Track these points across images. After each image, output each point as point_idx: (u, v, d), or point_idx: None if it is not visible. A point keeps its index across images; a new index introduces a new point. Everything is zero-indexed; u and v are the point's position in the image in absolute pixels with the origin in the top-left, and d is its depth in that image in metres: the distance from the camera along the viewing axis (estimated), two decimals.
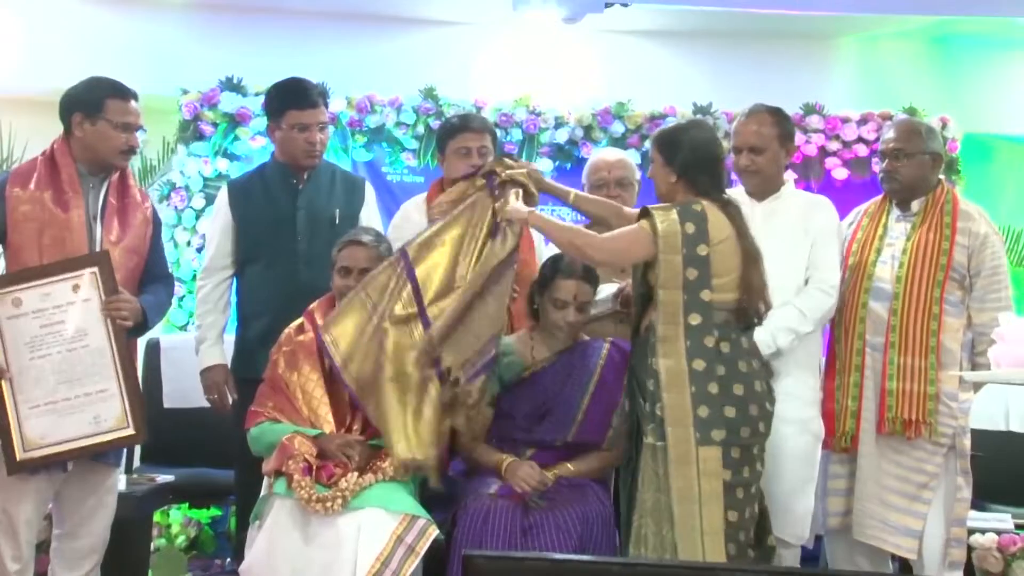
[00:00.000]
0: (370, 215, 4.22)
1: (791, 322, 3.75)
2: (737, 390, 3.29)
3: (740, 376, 3.31)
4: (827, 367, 4.03)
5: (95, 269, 3.54)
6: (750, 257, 3.38)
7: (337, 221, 4.06)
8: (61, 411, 3.50)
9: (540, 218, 3.52)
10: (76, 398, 3.51)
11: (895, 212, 4.02)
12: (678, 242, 3.28)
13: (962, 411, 3.89)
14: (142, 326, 3.69)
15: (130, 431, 3.55)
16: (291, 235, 4.07)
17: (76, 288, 3.53)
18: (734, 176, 4.04)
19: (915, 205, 3.98)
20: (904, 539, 3.83)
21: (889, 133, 4.04)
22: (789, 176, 5.80)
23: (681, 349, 3.28)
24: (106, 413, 3.52)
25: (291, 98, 4.10)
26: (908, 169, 3.96)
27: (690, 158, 3.43)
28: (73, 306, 3.53)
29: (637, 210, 3.52)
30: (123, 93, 3.68)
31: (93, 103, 3.63)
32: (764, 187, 3.95)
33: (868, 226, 4.04)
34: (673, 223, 3.30)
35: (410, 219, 4.14)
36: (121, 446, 3.63)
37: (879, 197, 4.12)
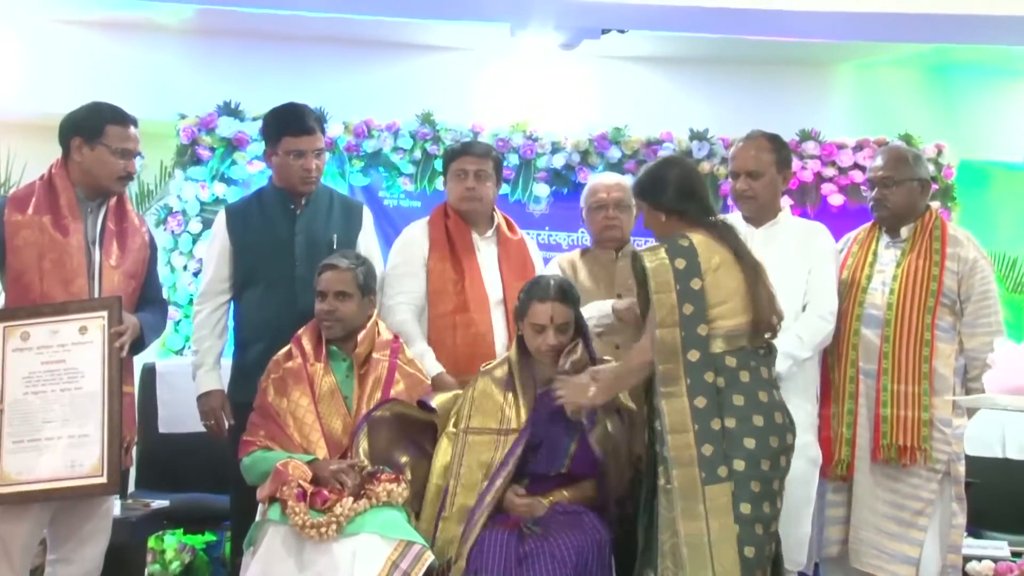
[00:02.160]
0: (368, 240, 4.22)
1: (790, 348, 3.74)
2: (757, 421, 3.24)
3: (761, 407, 3.27)
4: (822, 394, 4.02)
5: (104, 314, 3.53)
6: (753, 273, 3.35)
7: (335, 246, 4.05)
8: (42, 450, 3.46)
9: (606, 387, 3.47)
10: (59, 439, 3.47)
11: (884, 239, 4.04)
12: (670, 279, 3.26)
13: (956, 437, 3.88)
14: (139, 344, 3.68)
15: (102, 480, 3.48)
16: (289, 260, 4.06)
17: (83, 330, 3.53)
18: (731, 203, 4.05)
19: (904, 231, 3.99)
20: (901, 567, 3.82)
21: (877, 161, 4.06)
22: (785, 202, 5.87)
23: (683, 387, 3.24)
24: (83, 459, 3.47)
25: (286, 124, 4.09)
26: (897, 196, 3.98)
27: (672, 195, 3.45)
28: (76, 347, 3.52)
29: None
30: (123, 119, 3.69)
31: (93, 128, 3.64)
32: (761, 213, 3.97)
33: (858, 253, 4.05)
34: (663, 261, 3.29)
35: (414, 241, 4.18)
36: (90, 494, 3.54)
37: (868, 224, 4.14)
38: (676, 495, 3.20)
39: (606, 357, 3.78)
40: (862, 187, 5.97)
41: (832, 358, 4.00)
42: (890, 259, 3.98)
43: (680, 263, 3.27)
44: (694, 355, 3.24)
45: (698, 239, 3.33)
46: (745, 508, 3.18)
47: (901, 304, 3.88)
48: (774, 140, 4.02)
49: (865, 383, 3.90)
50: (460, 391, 3.82)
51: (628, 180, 4.54)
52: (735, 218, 4.03)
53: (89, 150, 3.63)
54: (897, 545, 3.83)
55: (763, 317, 3.33)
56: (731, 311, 3.29)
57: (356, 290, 3.81)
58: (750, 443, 3.22)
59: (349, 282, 3.79)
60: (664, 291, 3.26)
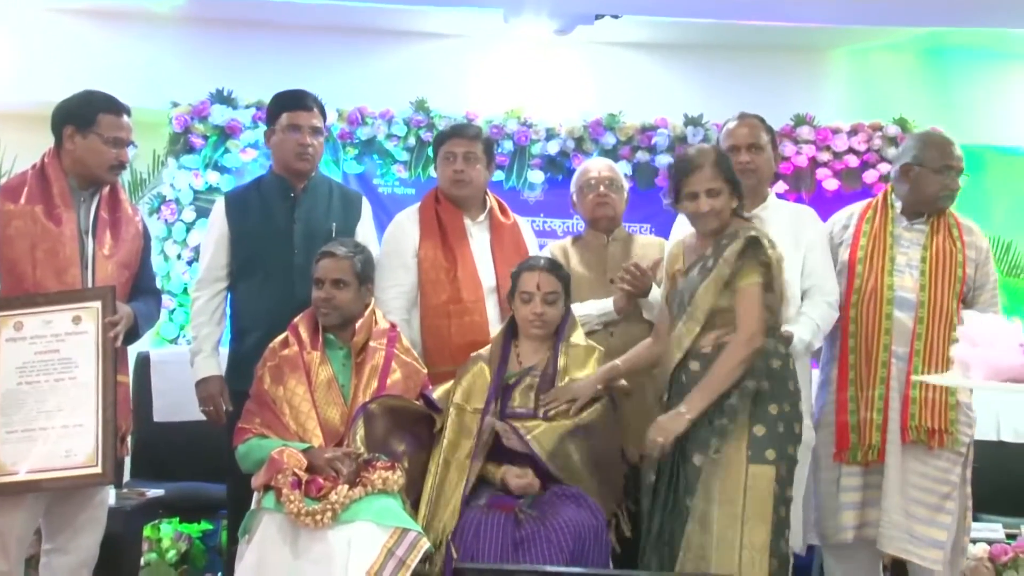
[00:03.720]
0: (366, 230, 4.22)
1: (809, 335, 3.78)
2: (786, 408, 3.39)
3: (788, 396, 3.41)
4: (839, 379, 3.98)
5: (98, 304, 3.53)
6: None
7: (334, 235, 4.05)
8: (36, 440, 3.45)
9: (696, 404, 3.42)
10: (53, 429, 3.46)
11: (902, 220, 4.00)
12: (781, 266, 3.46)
13: (974, 421, 3.92)
14: (133, 333, 3.67)
15: (98, 470, 3.47)
16: (287, 248, 4.06)
17: (77, 320, 3.52)
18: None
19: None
20: (930, 551, 3.80)
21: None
22: (780, 187, 5.87)
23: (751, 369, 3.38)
24: (78, 448, 3.46)
25: (286, 102, 4.15)
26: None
27: (734, 179, 3.54)
28: (70, 337, 3.52)
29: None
30: (116, 108, 3.67)
31: (86, 117, 3.63)
32: (756, 190, 3.94)
33: (871, 233, 3.99)
34: (776, 250, 3.44)
35: (404, 230, 4.15)
36: (86, 484, 3.54)
37: (868, 202, 4.11)
38: (721, 469, 3.33)
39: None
40: (860, 171, 6.04)
41: (856, 342, 3.94)
42: (912, 241, 3.96)
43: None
44: (768, 341, 3.41)
45: None
46: (777, 490, 3.31)
47: (933, 287, 3.87)
48: (764, 121, 4.07)
49: (896, 366, 3.87)
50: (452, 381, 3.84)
51: (621, 167, 4.56)
52: None
53: (81, 139, 3.62)
54: (926, 529, 3.81)
55: (779, 308, 3.50)
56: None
57: (353, 278, 3.81)
58: (791, 428, 3.38)
59: (347, 270, 3.79)
60: (780, 275, 3.44)
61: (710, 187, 3.48)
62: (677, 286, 3.58)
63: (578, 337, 3.86)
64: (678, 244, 3.71)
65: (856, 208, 4.14)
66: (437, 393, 3.80)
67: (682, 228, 4.10)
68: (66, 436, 3.47)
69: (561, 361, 3.77)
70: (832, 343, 4.03)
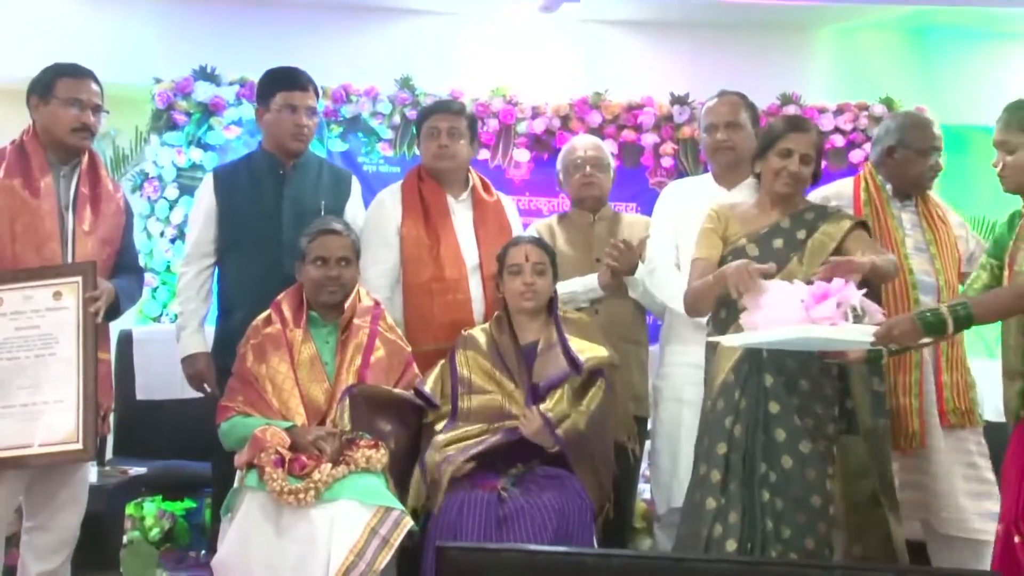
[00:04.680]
0: (355, 209, 4.19)
1: None
2: None
3: None
4: None
5: (79, 279, 3.49)
6: None
7: (323, 213, 4.02)
8: (16, 416, 3.42)
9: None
10: (33, 405, 3.43)
11: (895, 202, 3.96)
12: None
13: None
14: (115, 310, 3.65)
15: (79, 446, 3.44)
16: (276, 225, 4.03)
17: (58, 296, 3.49)
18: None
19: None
20: (989, 523, 3.69)
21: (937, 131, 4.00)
22: None
23: None
24: (58, 424, 3.43)
25: (282, 80, 4.10)
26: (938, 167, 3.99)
27: (819, 160, 3.54)
28: (51, 313, 3.48)
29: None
30: (76, 72, 3.64)
31: (45, 84, 3.60)
32: (736, 168, 3.92)
33: (877, 218, 3.90)
34: None
35: (386, 208, 4.12)
36: (67, 461, 3.51)
37: (852, 182, 4.03)
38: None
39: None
40: (846, 150, 6.03)
41: None
42: (912, 223, 3.94)
43: None
44: None
45: None
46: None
47: (946, 268, 3.86)
48: (746, 99, 4.03)
49: (928, 350, 3.80)
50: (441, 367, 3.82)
51: (607, 146, 4.54)
52: (704, 181, 4.02)
53: (44, 106, 3.59)
54: (982, 504, 3.77)
55: None
56: None
57: (355, 256, 3.81)
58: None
59: (349, 248, 3.79)
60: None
61: (807, 153, 3.46)
62: (746, 253, 3.45)
63: (571, 313, 3.88)
64: (722, 210, 3.60)
65: (842, 190, 4.04)
66: (428, 384, 3.76)
67: (670, 206, 4.08)
68: (46, 413, 3.43)
69: (567, 329, 3.77)
70: None
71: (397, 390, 3.72)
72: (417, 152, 4.51)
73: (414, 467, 3.65)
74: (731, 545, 3.23)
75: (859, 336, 3.03)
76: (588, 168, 4.18)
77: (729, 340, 3.25)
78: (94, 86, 3.65)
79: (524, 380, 3.73)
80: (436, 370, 3.80)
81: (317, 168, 4.19)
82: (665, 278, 3.89)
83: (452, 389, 3.74)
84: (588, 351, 3.72)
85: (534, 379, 3.72)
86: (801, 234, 3.43)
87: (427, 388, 3.74)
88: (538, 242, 3.87)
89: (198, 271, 4.10)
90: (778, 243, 3.45)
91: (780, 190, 3.48)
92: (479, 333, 3.85)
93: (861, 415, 3.35)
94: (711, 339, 3.42)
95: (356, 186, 4.26)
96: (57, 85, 3.59)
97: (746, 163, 3.81)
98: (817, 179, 3.61)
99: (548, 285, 3.81)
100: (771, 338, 3.08)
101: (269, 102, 4.08)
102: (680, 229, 3.95)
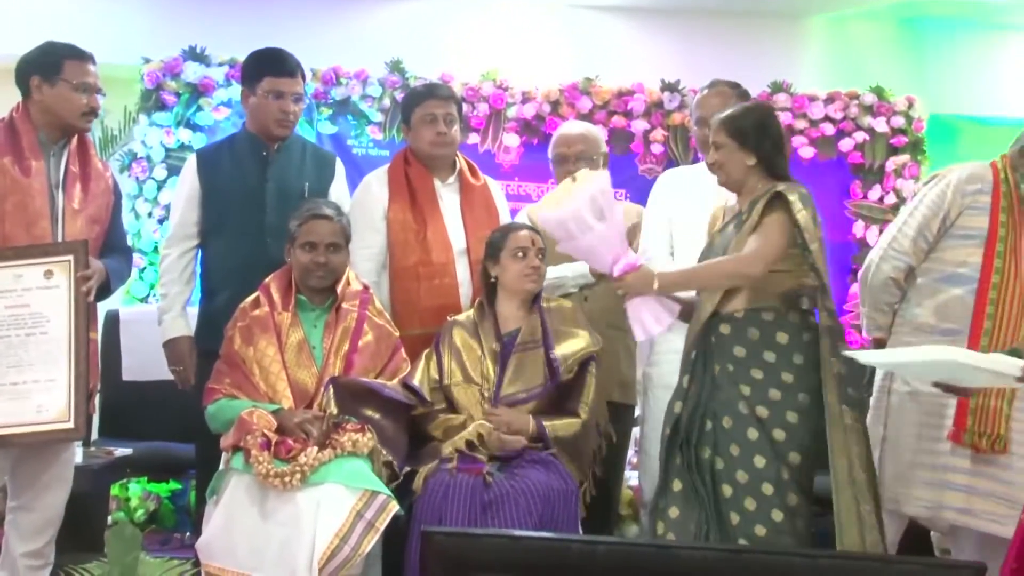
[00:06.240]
0: (340, 191, 4.17)
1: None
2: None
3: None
4: None
5: (70, 258, 3.48)
6: None
7: (306, 195, 4.01)
8: (6, 395, 3.42)
9: (669, 280, 3.39)
10: (24, 384, 3.43)
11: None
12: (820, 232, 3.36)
13: None
14: (104, 290, 3.64)
15: (70, 425, 3.44)
16: (259, 207, 4.01)
17: (48, 274, 3.48)
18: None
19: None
20: None
21: None
22: None
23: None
24: (49, 404, 3.43)
25: (269, 64, 4.06)
26: None
27: (768, 141, 3.44)
28: (42, 291, 3.47)
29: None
30: (80, 54, 3.62)
31: (51, 65, 3.58)
32: None
33: (1011, 214, 3.62)
34: (809, 209, 3.33)
35: (372, 192, 4.10)
36: (58, 440, 3.52)
37: (991, 168, 3.67)
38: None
39: None
40: (836, 139, 6.04)
41: (993, 324, 3.58)
42: None
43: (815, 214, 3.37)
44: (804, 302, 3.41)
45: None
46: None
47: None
48: (739, 88, 4.01)
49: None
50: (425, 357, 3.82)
51: (597, 130, 4.52)
52: (698, 170, 4.01)
53: (49, 88, 3.57)
54: None
55: None
56: None
57: (344, 241, 3.80)
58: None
59: (339, 233, 3.77)
60: (815, 242, 3.32)
61: (715, 140, 3.48)
62: (713, 245, 3.53)
63: (553, 301, 3.88)
64: (720, 208, 3.66)
65: (984, 174, 3.64)
66: (417, 377, 3.74)
67: (664, 194, 4.09)
68: (37, 391, 3.43)
69: (550, 322, 3.78)
70: (943, 316, 3.66)
71: (387, 391, 3.67)
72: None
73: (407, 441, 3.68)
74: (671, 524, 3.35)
75: (1010, 369, 2.76)
76: (572, 164, 4.11)
77: (865, 357, 3.18)
78: (95, 68, 3.65)
79: (496, 380, 3.74)
80: (422, 362, 3.78)
81: (301, 150, 4.17)
82: (658, 266, 3.89)
83: (439, 381, 3.74)
84: (570, 346, 3.74)
85: (508, 379, 3.72)
86: (744, 217, 3.44)
87: (415, 381, 3.72)
88: (537, 230, 3.82)
89: (181, 253, 4.08)
90: (730, 228, 3.49)
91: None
92: (464, 320, 3.84)
93: (828, 400, 3.29)
94: (846, 354, 3.34)
95: (340, 168, 4.24)
96: (65, 68, 3.57)
97: None
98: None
99: (545, 271, 3.83)
100: (912, 359, 3.02)
101: (255, 86, 4.05)
102: (674, 217, 3.95)
